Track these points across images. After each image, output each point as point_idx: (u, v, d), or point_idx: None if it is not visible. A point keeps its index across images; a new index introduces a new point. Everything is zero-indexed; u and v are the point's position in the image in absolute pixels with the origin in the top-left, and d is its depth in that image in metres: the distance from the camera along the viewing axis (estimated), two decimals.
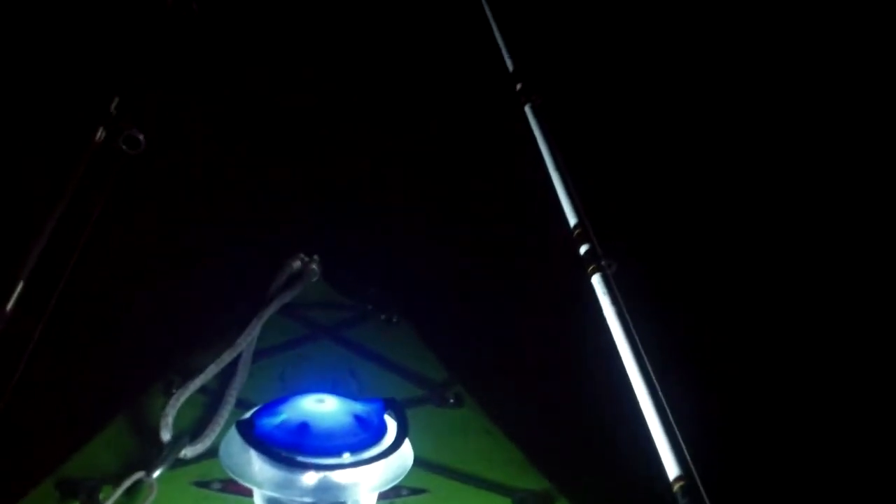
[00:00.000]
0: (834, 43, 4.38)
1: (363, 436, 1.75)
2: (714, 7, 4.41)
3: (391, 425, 1.83)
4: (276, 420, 1.74)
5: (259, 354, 2.63)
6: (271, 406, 1.80)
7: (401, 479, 1.80)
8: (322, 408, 1.78)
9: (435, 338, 2.76)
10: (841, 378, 3.09)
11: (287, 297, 2.79)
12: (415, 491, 2.27)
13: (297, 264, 2.90)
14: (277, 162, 3.65)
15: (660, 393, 1.90)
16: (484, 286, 3.18)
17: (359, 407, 1.81)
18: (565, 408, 2.74)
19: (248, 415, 1.82)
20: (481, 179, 3.50)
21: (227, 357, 2.49)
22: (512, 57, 2.47)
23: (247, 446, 1.72)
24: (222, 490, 2.12)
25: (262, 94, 3.93)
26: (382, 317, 2.86)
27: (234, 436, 1.76)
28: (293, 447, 1.70)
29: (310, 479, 1.71)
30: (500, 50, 2.50)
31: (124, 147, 2.15)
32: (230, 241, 3.23)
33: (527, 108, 2.33)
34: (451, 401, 2.56)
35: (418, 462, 2.35)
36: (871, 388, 3.07)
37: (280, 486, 1.71)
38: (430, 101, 3.76)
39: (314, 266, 2.91)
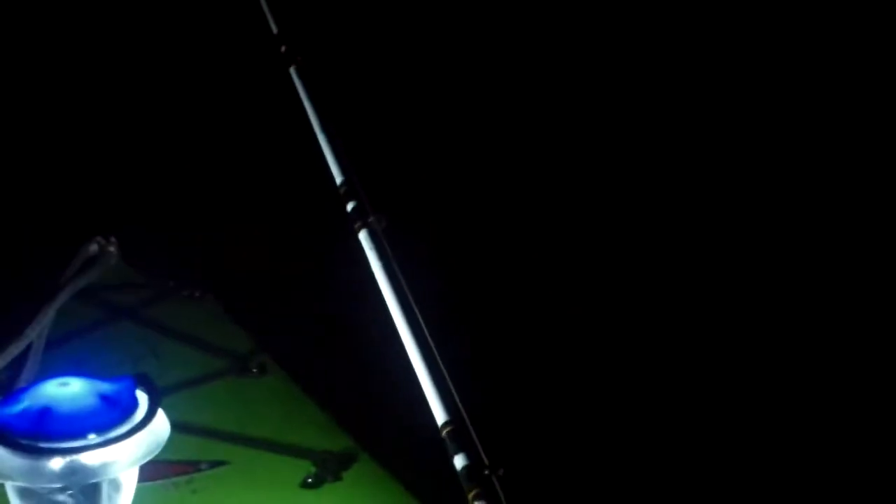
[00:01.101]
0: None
1: (110, 415, 1.72)
2: None
3: (142, 401, 1.80)
4: (17, 408, 1.70)
5: (54, 343, 2.56)
6: (13, 395, 1.75)
7: (156, 453, 1.77)
8: (66, 391, 1.73)
9: (239, 311, 2.75)
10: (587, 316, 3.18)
11: (83, 282, 2.70)
12: (215, 464, 2.27)
13: (93, 247, 2.82)
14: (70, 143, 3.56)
15: (429, 341, 1.92)
16: (278, 255, 3.16)
17: (106, 386, 1.77)
18: (363, 367, 2.76)
19: None
20: (256, 145, 3.48)
21: (13, 349, 2.41)
22: (276, 20, 2.45)
23: None
24: None
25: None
26: (185, 293, 2.82)
27: None
28: (35, 434, 1.66)
29: (56, 464, 1.67)
30: (264, 13, 2.47)
31: None
32: (19, 228, 3.15)
33: (291, 70, 2.32)
34: (255, 370, 2.56)
35: (219, 434, 2.35)
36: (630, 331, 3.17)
37: (27, 474, 1.66)
38: (199, 67, 3.72)
39: (112, 248, 2.83)
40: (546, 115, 4.00)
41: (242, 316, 2.75)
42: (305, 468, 2.27)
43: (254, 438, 2.33)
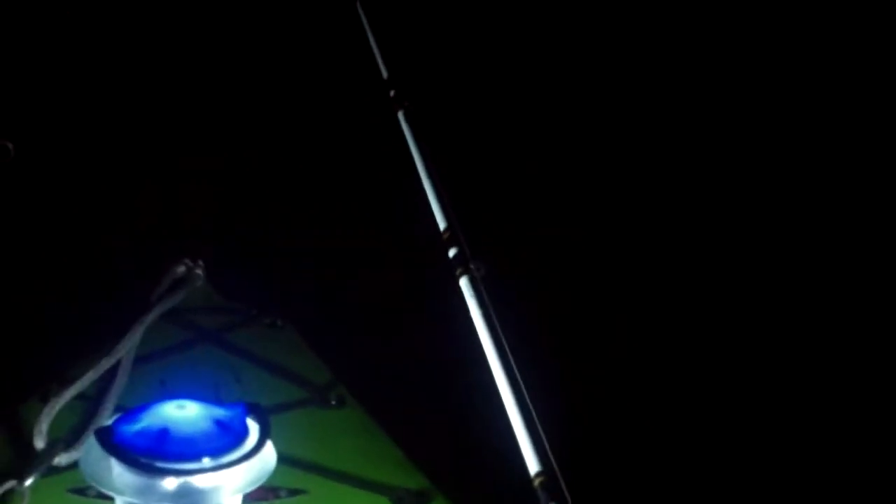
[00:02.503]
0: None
1: (223, 440, 1.77)
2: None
3: (253, 429, 1.85)
4: (136, 427, 1.75)
5: (140, 361, 2.62)
6: (132, 413, 1.81)
7: (262, 481, 1.83)
8: (183, 414, 1.79)
9: (319, 341, 2.79)
10: (700, 373, 3.20)
11: (170, 303, 2.79)
12: (293, 492, 2.30)
13: (181, 269, 2.90)
14: (158, 171, 3.64)
15: (523, 391, 1.96)
16: (365, 290, 3.21)
17: (220, 412, 1.83)
18: (444, 408, 2.80)
19: (108, 422, 1.83)
20: (357, 185, 3.54)
21: (105, 364, 2.49)
22: (386, 64, 2.52)
23: (106, 453, 1.73)
24: (99, 496, 2.12)
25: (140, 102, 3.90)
26: (266, 321, 2.88)
27: (93, 443, 1.77)
28: (152, 453, 1.71)
29: (170, 484, 1.72)
30: (374, 57, 2.54)
31: None
32: (114, 249, 3.22)
33: (399, 114, 2.38)
34: (333, 402, 2.59)
35: (299, 464, 2.39)
36: (732, 381, 3.19)
37: (140, 492, 1.72)
38: (307, 108, 3.79)
39: (199, 271, 2.91)
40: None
41: (321, 347, 2.80)
42: (381, 503, 2.30)
43: (331, 470, 2.36)
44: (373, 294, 3.16)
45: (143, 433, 1.75)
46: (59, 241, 3.20)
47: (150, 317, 2.71)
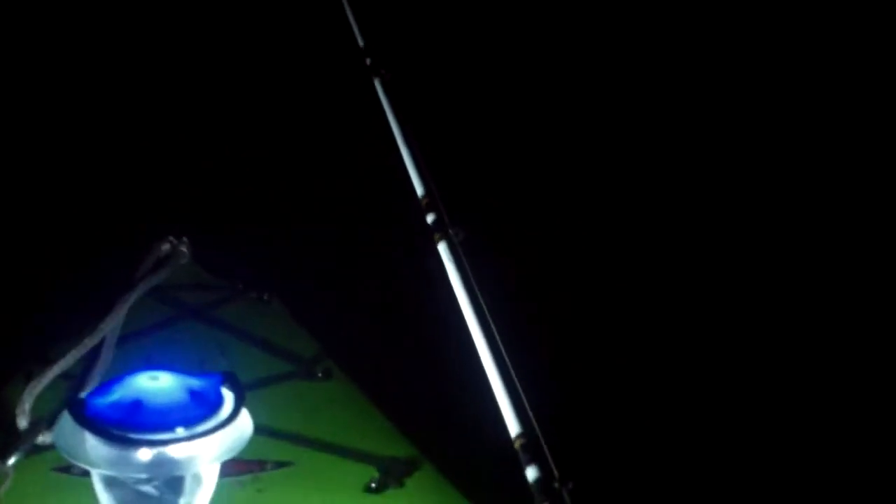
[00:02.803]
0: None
1: (197, 410, 1.76)
2: None
3: (228, 398, 1.84)
4: (109, 399, 1.74)
5: (125, 339, 2.61)
6: (105, 386, 1.80)
7: (239, 450, 1.81)
8: (156, 384, 1.78)
9: (305, 315, 2.78)
10: (674, 330, 3.20)
11: (154, 280, 2.76)
12: (280, 464, 2.30)
13: (165, 247, 2.87)
14: (143, 148, 3.62)
15: (503, 353, 1.95)
16: (348, 262, 3.20)
17: (194, 382, 1.82)
18: (428, 377, 2.79)
19: (80, 395, 1.82)
20: (336, 155, 3.52)
21: (88, 342, 2.46)
22: (362, 33, 2.50)
23: (79, 427, 1.72)
24: (83, 474, 2.11)
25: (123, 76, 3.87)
26: (253, 295, 2.87)
27: (66, 417, 1.76)
28: (125, 425, 1.70)
29: (144, 455, 1.71)
30: (350, 26, 2.52)
31: None
32: (95, 228, 3.21)
33: (376, 82, 2.36)
34: (320, 375, 2.60)
35: (285, 436, 2.38)
36: (697, 343, 3.18)
37: (114, 464, 1.71)
38: (284, 79, 3.77)
39: (183, 248, 2.88)
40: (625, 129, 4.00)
41: (308, 320, 2.79)
42: (369, 473, 2.30)
43: (318, 441, 2.36)
44: (357, 266, 3.15)
45: (115, 405, 1.74)
46: (41, 223, 3.19)
47: (135, 294, 2.68)
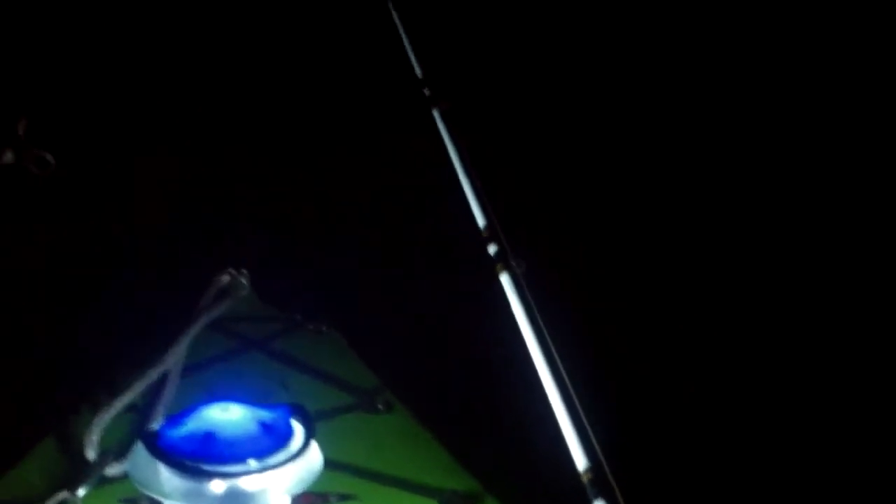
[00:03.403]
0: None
1: (268, 442, 1.78)
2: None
3: (298, 430, 1.86)
4: (182, 430, 1.77)
5: (188, 370, 2.64)
6: (177, 417, 1.82)
7: (310, 482, 1.83)
8: (227, 416, 1.80)
9: (364, 347, 2.80)
10: (745, 372, 3.17)
11: (216, 312, 2.81)
12: (343, 497, 2.30)
13: (225, 279, 2.92)
14: (202, 180, 3.66)
15: (569, 387, 1.94)
16: (407, 293, 3.21)
17: (264, 414, 1.84)
18: (490, 408, 2.79)
19: (153, 427, 1.84)
20: (396, 186, 3.54)
21: (153, 374, 2.50)
22: (421, 63, 2.52)
23: (153, 458, 1.75)
24: None
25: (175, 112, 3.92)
26: (312, 327, 2.89)
27: (140, 449, 1.79)
28: (198, 456, 1.73)
29: (217, 487, 1.73)
30: (409, 57, 2.54)
31: (34, 168, 2.17)
32: (159, 259, 3.25)
33: (435, 113, 2.38)
34: (380, 407, 2.60)
35: (347, 468, 2.39)
36: (771, 378, 3.15)
37: (188, 495, 1.73)
38: (343, 112, 3.80)
39: (243, 280, 2.93)
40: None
41: (368, 352, 2.80)
42: None
43: (380, 474, 2.36)
44: (417, 297, 3.16)
45: (188, 437, 1.76)
46: (104, 255, 3.23)
47: (197, 327, 2.72)
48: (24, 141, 2.17)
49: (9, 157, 2.16)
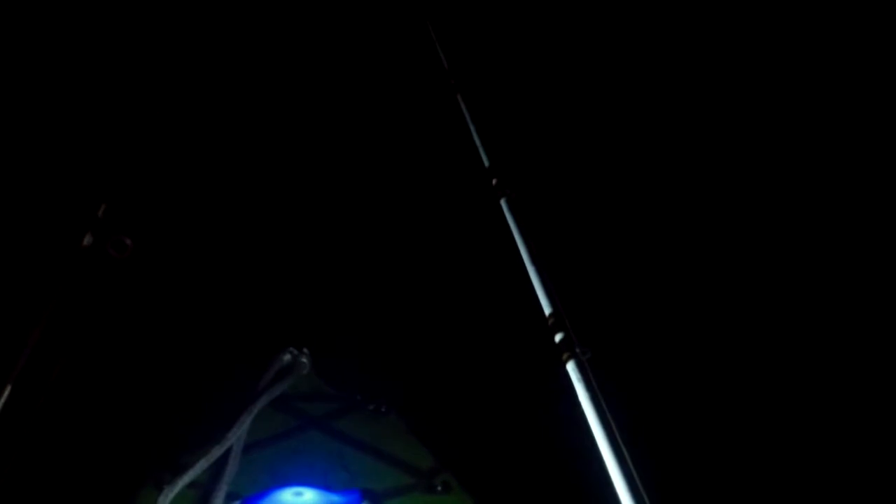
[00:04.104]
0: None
1: None
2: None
3: None
4: None
5: (249, 448, 2.67)
6: (251, 500, 1.84)
7: None
8: (300, 501, 1.83)
9: (423, 427, 2.81)
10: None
11: (277, 391, 2.84)
12: None
13: (287, 357, 2.95)
14: (262, 258, 3.71)
15: (636, 479, 1.94)
16: (468, 375, 3.22)
17: (336, 499, 1.86)
18: (551, 494, 2.77)
19: None
20: (461, 271, 3.57)
21: (216, 451, 2.54)
22: (487, 153, 2.57)
23: None
24: None
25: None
26: (371, 407, 2.90)
27: None
28: None
29: None
30: (476, 147, 2.59)
31: (112, 251, 2.23)
32: (219, 337, 3.28)
33: (502, 202, 2.42)
34: (439, 488, 2.61)
35: None
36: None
37: None
38: (412, 199, 3.84)
39: (304, 359, 2.96)
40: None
41: (426, 433, 2.81)
42: None
43: None
44: (476, 380, 3.17)
45: None
46: (167, 334, 3.28)
47: (259, 405, 2.76)
48: (104, 224, 2.23)
49: (88, 239, 2.22)
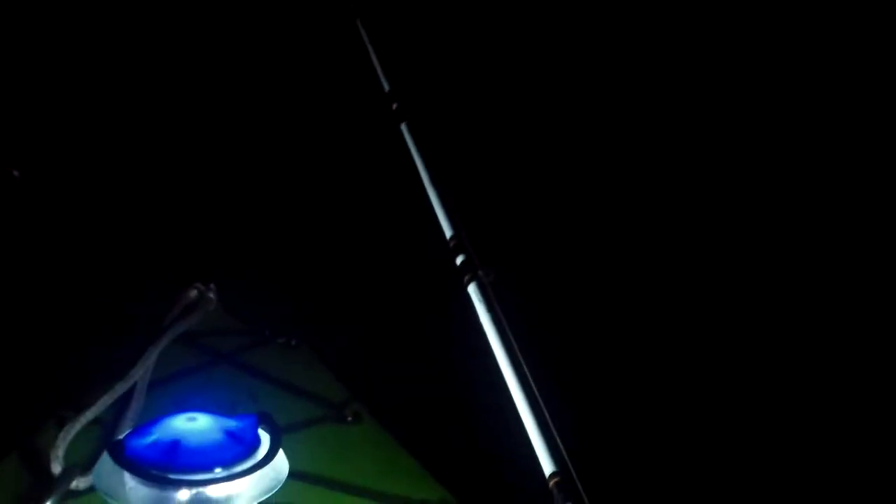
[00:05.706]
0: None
1: (235, 450, 1.78)
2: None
3: (264, 439, 1.86)
4: (148, 440, 1.76)
5: (155, 384, 2.63)
6: (143, 427, 1.82)
7: (276, 489, 1.83)
8: (194, 425, 1.80)
9: (334, 359, 2.80)
10: (707, 371, 3.19)
11: (183, 326, 2.80)
12: None
13: (193, 293, 2.91)
14: (169, 193, 3.67)
15: (536, 394, 1.95)
16: (376, 306, 3.22)
17: (231, 423, 1.84)
18: (458, 417, 2.80)
19: (119, 437, 1.84)
20: (362, 199, 3.56)
21: (120, 388, 2.49)
22: (387, 77, 2.54)
23: (119, 468, 1.74)
24: None
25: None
26: (281, 340, 2.89)
27: (106, 458, 1.78)
28: (164, 465, 1.72)
29: (183, 495, 1.73)
30: (375, 71, 2.56)
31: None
32: (124, 274, 3.24)
33: (402, 126, 2.40)
34: (350, 418, 2.60)
35: (317, 480, 2.39)
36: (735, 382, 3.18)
37: None
38: (312, 125, 3.81)
39: (211, 295, 2.92)
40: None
41: (336, 364, 2.80)
42: None
43: (349, 485, 2.36)
44: (384, 308, 3.17)
45: (154, 445, 1.76)
46: (67, 271, 3.22)
47: (164, 341, 2.72)
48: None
49: None
